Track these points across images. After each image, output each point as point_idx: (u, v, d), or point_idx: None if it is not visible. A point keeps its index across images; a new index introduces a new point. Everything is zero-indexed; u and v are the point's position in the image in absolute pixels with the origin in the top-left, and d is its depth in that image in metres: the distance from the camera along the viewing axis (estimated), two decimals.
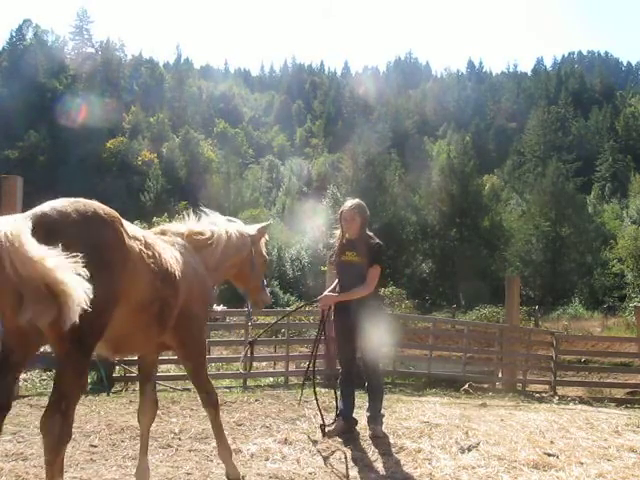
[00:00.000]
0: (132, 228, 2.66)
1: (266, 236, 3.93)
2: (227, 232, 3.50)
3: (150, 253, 2.66)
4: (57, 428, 2.25)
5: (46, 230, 2.17)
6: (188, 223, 3.40)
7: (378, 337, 4.53)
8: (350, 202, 4.61)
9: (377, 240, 4.56)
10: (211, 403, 3.22)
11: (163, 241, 3.03)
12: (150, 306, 2.65)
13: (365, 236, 4.51)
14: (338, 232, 4.67)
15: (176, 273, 2.86)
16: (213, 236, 3.39)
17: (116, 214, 2.50)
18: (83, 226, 2.28)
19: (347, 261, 4.54)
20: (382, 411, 4.63)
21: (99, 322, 2.31)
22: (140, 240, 2.63)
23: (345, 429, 4.46)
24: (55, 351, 2.36)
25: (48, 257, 2.01)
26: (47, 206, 2.28)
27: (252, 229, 3.78)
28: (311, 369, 4.75)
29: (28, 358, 2.45)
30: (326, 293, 4.72)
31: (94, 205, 2.42)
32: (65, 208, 2.28)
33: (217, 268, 3.41)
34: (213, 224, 3.49)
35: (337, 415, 4.61)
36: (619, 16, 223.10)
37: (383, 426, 4.53)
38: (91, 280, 2.14)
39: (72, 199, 2.39)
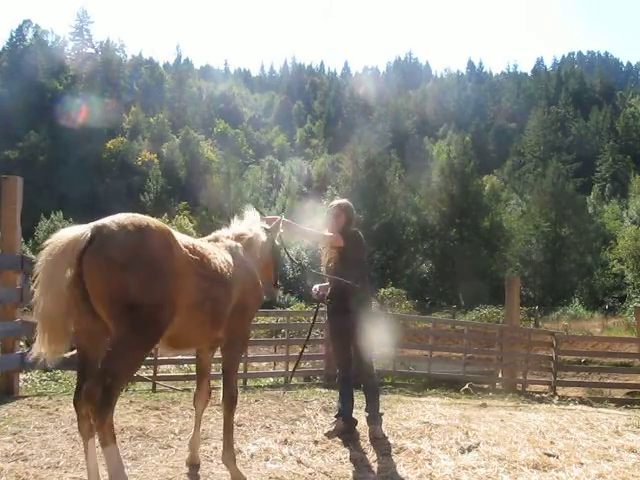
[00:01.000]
0: (181, 237, 3.02)
1: (280, 229, 4.19)
2: (262, 229, 3.89)
3: (197, 259, 2.98)
4: (97, 397, 2.52)
5: (105, 238, 2.56)
6: (232, 226, 3.77)
7: (372, 338, 4.56)
8: (337, 201, 4.83)
9: (360, 235, 4.62)
10: (230, 397, 3.37)
11: (216, 247, 3.35)
12: (202, 305, 2.96)
13: (350, 232, 4.56)
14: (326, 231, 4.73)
15: (227, 275, 3.18)
16: (252, 235, 3.74)
17: (165, 226, 2.88)
18: (137, 236, 2.64)
19: (332, 260, 4.60)
20: (381, 410, 4.63)
21: (158, 315, 2.66)
22: (189, 248, 2.97)
23: (345, 429, 4.46)
24: (112, 334, 2.66)
25: None
26: (107, 219, 2.66)
27: (267, 225, 4.10)
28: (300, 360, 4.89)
29: (101, 354, 2.74)
30: (317, 286, 4.85)
31: (147, 219, 2.79)
32: (122, 221, 2.66)
33: (258, 263, 3.71)
34: (250, 225, 3.83)
35: (337, 415, 4.61)
36: (619, 16, 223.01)
37: (383, 426, 4.53)
38: (145, 282, 2.58)
39: (129, 214, 2.76)
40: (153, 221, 2.81)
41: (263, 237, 3.85)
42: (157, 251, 2.70)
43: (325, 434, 4.39)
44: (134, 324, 2.57)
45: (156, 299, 2.64)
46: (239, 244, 3.58)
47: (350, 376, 4.68)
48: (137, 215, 2.78)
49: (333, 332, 4.77)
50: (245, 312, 3.39)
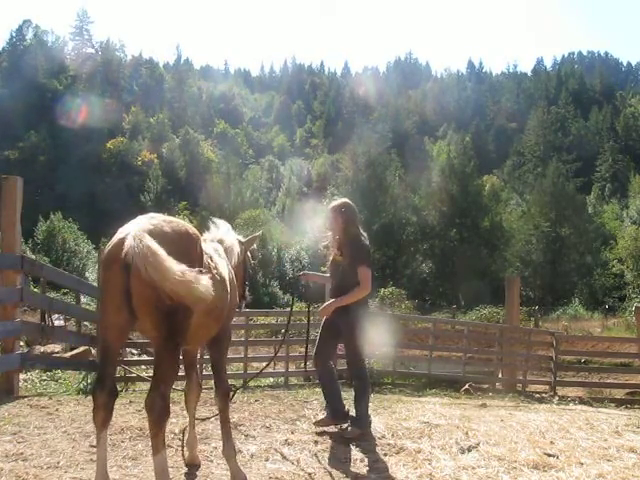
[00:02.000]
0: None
1: (254, 245, 4.32)
2: (236, 239, 3.96)
3: (214, 265, 3.10)
4: (158, 407, 2.66)
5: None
6: (212, 231, 3.82)
7: (369, 338, 4.56)
8: (334, 202, 4.68)
9: (362, 240, 4.49)
10: (224, 393, 3.42)
11: (212, 251, 3.38)
12: (213, 310, 3.05)
13: (351, 236, 4.46)
14: (330, 233, 4.70)
15: (227, 280, 3.27)
16: (229, 243, 3.81)
17: (198, 232, 2.97)
18: (177, 241, 2.73)
19: (334, 261, 4.57)
20: (380, 411, 4.61)
21: (186, 324, 2.76)
22: (207, 254, 3.05)
23: (330, 423, 4.47)
24: (154, 347, 2.87)
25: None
26: (147, 223, 2.68)
27: (243, 238, 4.21)
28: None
29: (120, 350, 2.87)
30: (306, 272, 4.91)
31: (185, 224, 2.89)
32: (163, 226, 2.73)
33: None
34: (226, 232, 3.90)
35: (325, 408, 4.65)
36: (619, 16, 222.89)
37: (383, 426, 4.51)
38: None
39: (167, 217, 2.83)
40: (189, 226, 2.91)
41: (237, 247, 3.91)
42: (193, 256, 2.79)
43: (314, 423, 4.49)
44: (170, 328, 2.68)
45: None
46: (221, 247, 3.68)
47: (329, 369, 4.64)
48: (173, 219, 2.85)
49: (324, 326, 4.69)
50: (231, 309, 3.52)
